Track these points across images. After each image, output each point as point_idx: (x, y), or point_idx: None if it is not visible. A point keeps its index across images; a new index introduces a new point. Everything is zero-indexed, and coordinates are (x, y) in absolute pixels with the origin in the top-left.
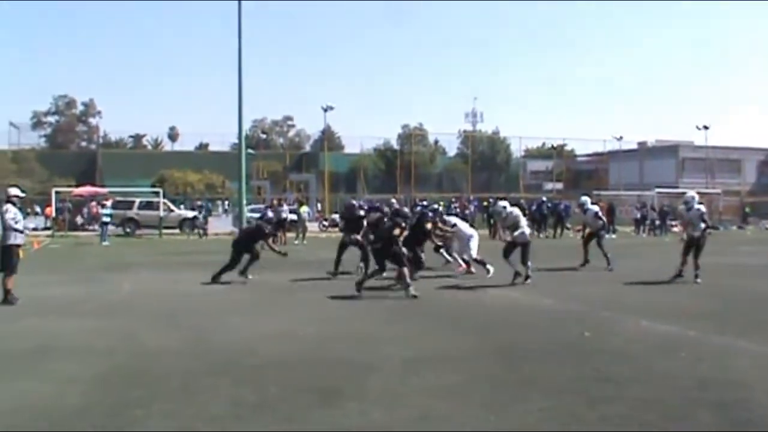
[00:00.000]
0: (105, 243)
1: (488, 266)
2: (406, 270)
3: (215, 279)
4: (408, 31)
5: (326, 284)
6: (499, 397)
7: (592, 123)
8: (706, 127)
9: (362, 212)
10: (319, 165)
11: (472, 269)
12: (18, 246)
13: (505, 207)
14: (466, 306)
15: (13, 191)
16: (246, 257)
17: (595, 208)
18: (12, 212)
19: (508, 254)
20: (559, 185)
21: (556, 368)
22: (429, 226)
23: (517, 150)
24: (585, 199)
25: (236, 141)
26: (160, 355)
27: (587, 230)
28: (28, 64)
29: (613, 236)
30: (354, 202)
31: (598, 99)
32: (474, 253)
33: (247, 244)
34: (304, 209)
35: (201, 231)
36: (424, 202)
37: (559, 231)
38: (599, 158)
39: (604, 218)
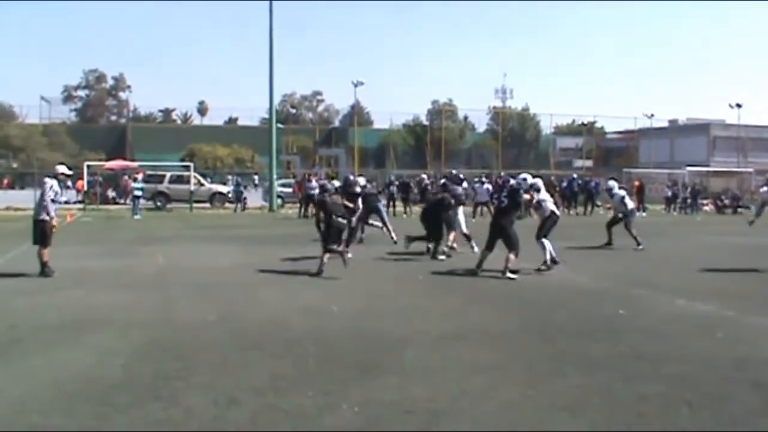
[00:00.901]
0: (136, 216)
1: (473, 243)
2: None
3: (411, 240)
4: (438, 6)
5: (359, 259)
6: (536, 373)
7: (623, 100)
8: (738, 105)
9: (358, 188)
10: (349, 140)
11: (455, 245)
12: (52, 220)
13: (525, 179)
14: (500, 283)
15: (61, 169)
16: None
17: (622, 192)
18: (55, 189)
19: (540, 236)
20: (589, 162)
21: (591, 346)
22: (527, 197)
23: (546, 127)
24: (612, 183)
25: (265, 116)
26: (197, 328)
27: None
28: (58, 39)
29: (644, 214)
30: (352, 176)
31: (629, 76)
32: (464, 228)
33: (435, 215)
34: (335, 184)
35: (240, 205)
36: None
37: (589, 208)
38: (629, 135)
39: (630, 203)
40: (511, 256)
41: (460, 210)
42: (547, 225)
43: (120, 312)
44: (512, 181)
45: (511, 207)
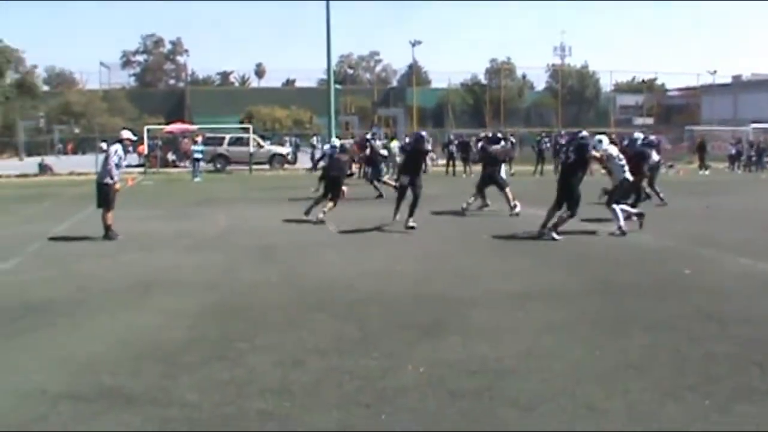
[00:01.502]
0: (197, 179)
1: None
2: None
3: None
4: None
5: (420, 220)
6: (601, 332)
7: (685, 57)
8: None
9: (429, 146)
10: (407, 100)
11: (488, 201)
12: (115, 184)
13: (600, 141)
14: (565, 243)
15: (126, 134)
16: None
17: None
18: (119, 154)
19: (611, 202)
20: (650, 120)
21: (657, 305)
22: (597, 155)
23: (606, 84)
24: (638, 135)
25: (323, 77)
26: (261, 290)
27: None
28: (117, 5)
29: (706, 173)
30: (424, 133)
31: (691, 32)
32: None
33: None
34: (395, 144)
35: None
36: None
37: None
38: (691, 92)
39: (655, 156)
40: (564, 215)
41: (503, 168)
42: (617, 191)
43: (184, 274)
44: (583, 132)
45: (579, 163)
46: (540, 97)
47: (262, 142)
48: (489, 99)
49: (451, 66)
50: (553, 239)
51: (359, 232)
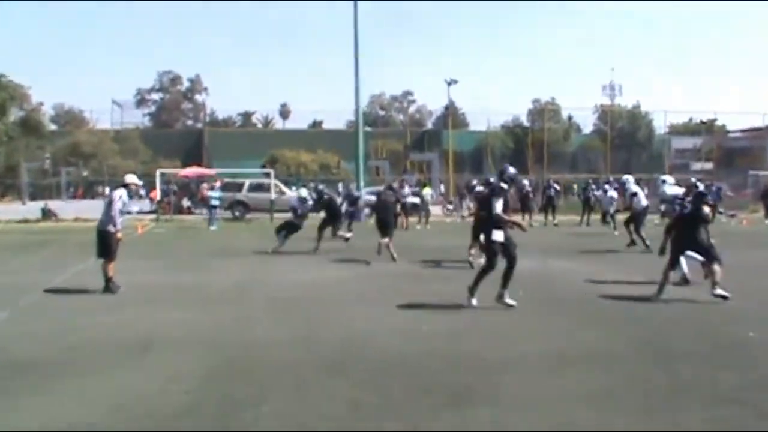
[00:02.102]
0: (213, 227)
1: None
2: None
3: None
4: None
5: (451, 273)
6: (653, 404)
7: (747, 95)
8: None
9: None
10: (442, 143)
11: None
12: (117, 232)
13: (664, 181)
14: (611, 299)
15: (131, 179)
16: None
17: (635, 188)
18: (124, 199)
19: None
20: (709, 165)
21: (718, 373)
22: (707, 209)
23: (660, 126)
24: (626, 178)
25: (352, 118)
26: (272, 349)
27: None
28: (131, 39)
29: None
30: (512, 168)
31: (753, 68)
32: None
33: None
34: (428, 191)
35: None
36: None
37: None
38: (755, 134)
39: (643, 201)
40: (716, 267)
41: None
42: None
43: (189, 331)
44: (700, 186)
45: (698, 215)
46: (587, 140)
47: (284, 188)
48: (531, 142)
49: (491, 107)
50: (723, 297)
51: (385, 285)
